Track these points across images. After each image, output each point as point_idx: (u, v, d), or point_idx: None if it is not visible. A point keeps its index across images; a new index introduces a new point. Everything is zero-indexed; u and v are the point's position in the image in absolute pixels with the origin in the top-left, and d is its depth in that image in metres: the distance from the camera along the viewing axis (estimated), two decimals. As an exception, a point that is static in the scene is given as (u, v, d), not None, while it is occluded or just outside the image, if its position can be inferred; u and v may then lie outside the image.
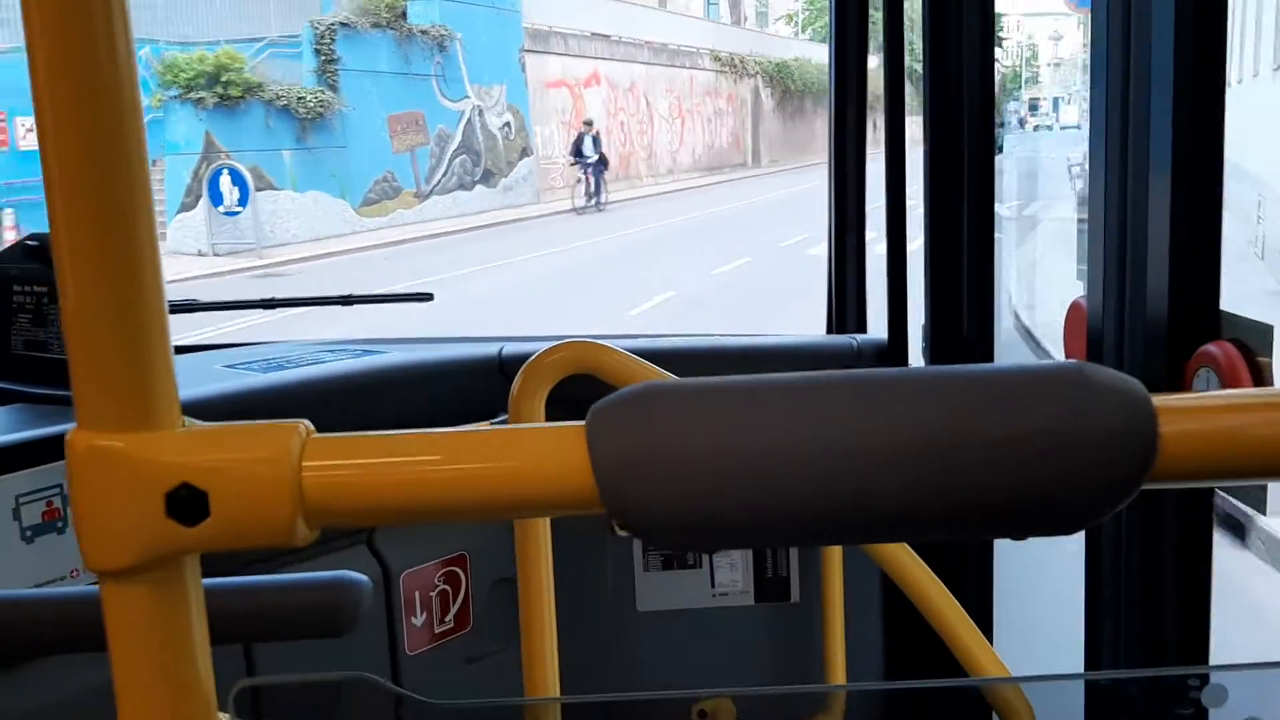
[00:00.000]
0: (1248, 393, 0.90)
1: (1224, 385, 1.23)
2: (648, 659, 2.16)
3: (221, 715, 0.51)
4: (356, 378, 1.90)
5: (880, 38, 2.13)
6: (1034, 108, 57.75)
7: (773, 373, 0.48)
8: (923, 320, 2.05)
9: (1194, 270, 1.30)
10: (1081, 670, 1.59)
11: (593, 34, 26.07)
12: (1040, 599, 2.79)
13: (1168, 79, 1.28)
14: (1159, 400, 0.47)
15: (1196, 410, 0.49)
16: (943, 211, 1.94)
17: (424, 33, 20.72)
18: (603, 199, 22.60)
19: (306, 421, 0.49)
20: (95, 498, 0.47)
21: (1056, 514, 0.47)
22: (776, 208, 22.01)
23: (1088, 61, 1.52)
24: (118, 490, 0.47)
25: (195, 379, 1.79)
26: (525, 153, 23.69)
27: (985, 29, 1.88)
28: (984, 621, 1.86)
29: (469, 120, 22.06)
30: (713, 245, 16.64)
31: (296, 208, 18.18)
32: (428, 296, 2.21)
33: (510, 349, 2.03)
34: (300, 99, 18.20)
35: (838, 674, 1.98)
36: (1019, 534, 0.48)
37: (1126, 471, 0.46)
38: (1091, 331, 1.47)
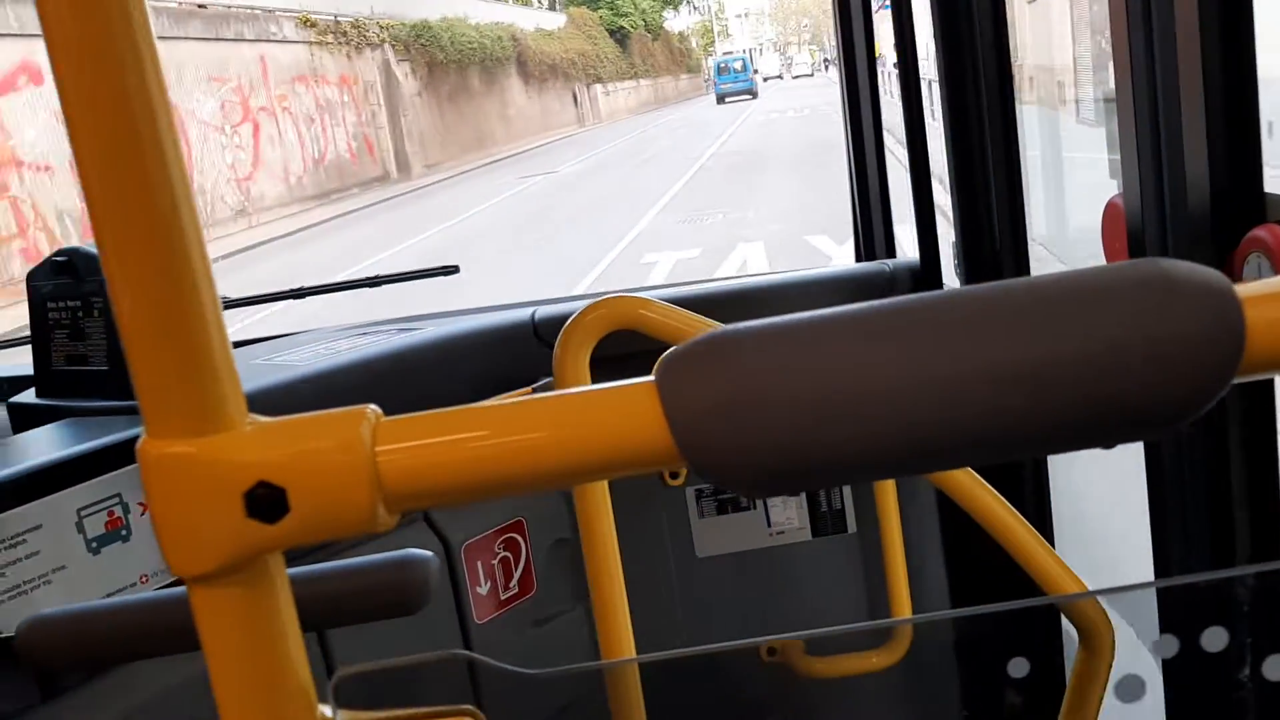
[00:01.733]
0: None
1: (1276, 269, 1.18)
2: (712, 603, 2.20)
3: (323, 707, 0.51)
4: (400, 356, 1.91)
5: None
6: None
7: (813, 306, 0.48)
8: (953, 239, 2.03)
9: (1233, 154, 1.24)
10: (1151, 577, 1.58)
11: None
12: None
13: None
14: (1242, 290, 0.46)
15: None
16: (964, 127, 1.91)
17: None
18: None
19: (374, 405, 0.48)
20: (173, 505, 0.46)
21: (1147, 419, 0.46)
22: (435, 255, 13.65)
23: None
24: (195, 495, 0.46)
25: (246, 375, 1.59)
26: None
27: None
28: (1045, 534, 1.78)
29: None
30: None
31: None
32: (454, 269, 2.27)
33: (543, 312, 2.06)
34: None
35: (901, 602, 1.97)
36: (1109, 443, 0.48)
37: (1215, 369, 0.45)
38: (1131, 229, 1.40)
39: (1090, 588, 1.52)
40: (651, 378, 0.47)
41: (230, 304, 2.01)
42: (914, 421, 0.45)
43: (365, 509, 0.47)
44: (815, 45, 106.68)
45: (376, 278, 2.20)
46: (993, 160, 1.92)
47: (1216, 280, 0.46)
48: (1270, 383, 1.27)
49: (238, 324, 5.94)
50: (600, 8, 53.78)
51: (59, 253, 1.60)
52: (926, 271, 2.13)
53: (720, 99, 46.41)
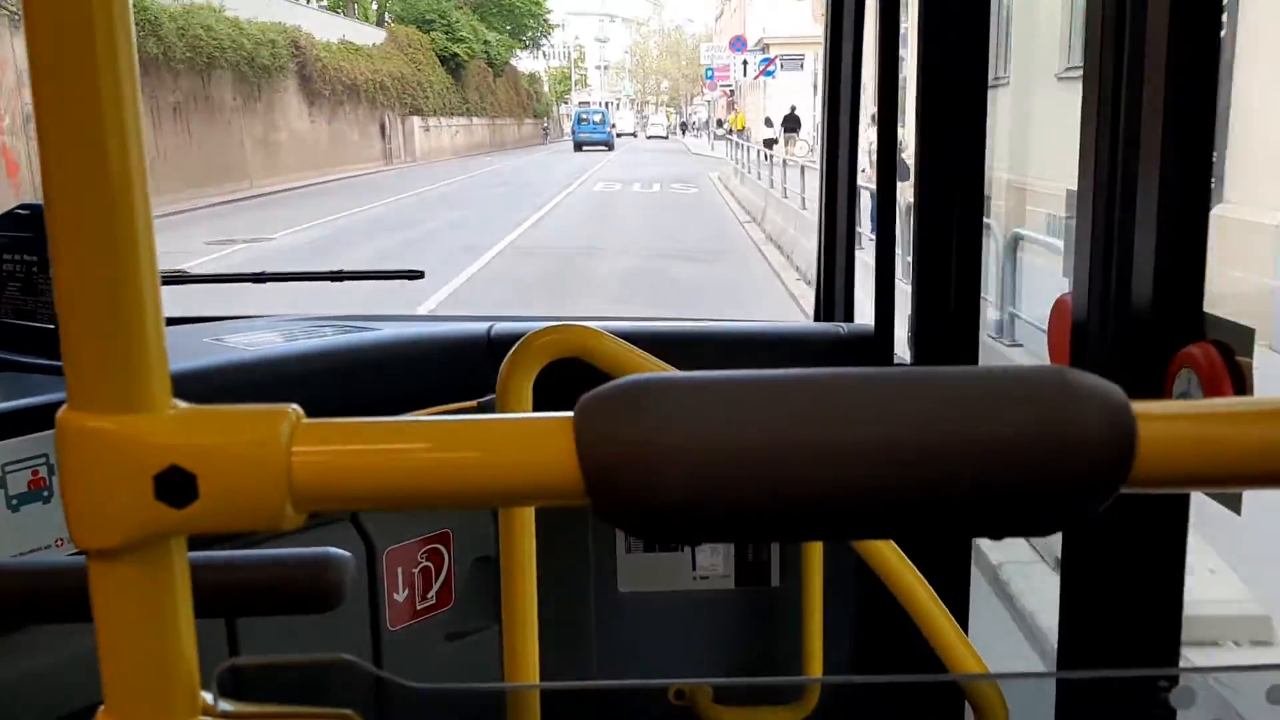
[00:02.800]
0: (1226, 401, 0.91)
1: (1204, 386, 1.24)
2: (628, 639, 2.20)
3: (204, 694, 0.52)
4: (345, 354, 1.90)
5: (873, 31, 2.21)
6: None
7: (760, 361, 0.52)
8: (909, 310, 2.07)
9: (1178, 271, 1.31)
10: (1055, 669, 1.60)
11: None
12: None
13: (1159, 81, 1.28)
14: (1138, 406, 0.48)
15: (1175, 417, 0.49)
16: (931, 204, 1.96)
17: None
18: None
19: (296, 406, 0.49)
20: (84, 478, 0.47)
21: (1034, 516, 0.48)
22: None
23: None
24: (107, 471, 0.47)
25: (184, 352, 1.79)
26: None
27: (977, 12, 1.89)
28: (960, 615, 1.88)
29: None
30: None
31: None
32: (419, 274, 2.26)
33: (499, 329, 2.06)
34: None
35: (814, 660, 2.03)
36: (997, 534, 0.50)
37: (1105, 476, 0.47)
38: (1076, 328, 1.47)
39: (990, 669, 1.56)
40: (571, 414, 0.48)
41: (187, 279, 2.08)
42: (804, 491, 0.47)
43: (273, 505, 0.47)
44: (672, 107, 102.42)
45: (340, 272, 2.22)
46: (955, 242, 1.95)
47: (1113, 392, 0.48)
48: (1185, 496, 1.33)
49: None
50: (434, 30, 46.26)
51: (22, 206, 1.59)
52: (880, 338, 2.17)
53: (578, 147, 47.49)
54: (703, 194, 25.27)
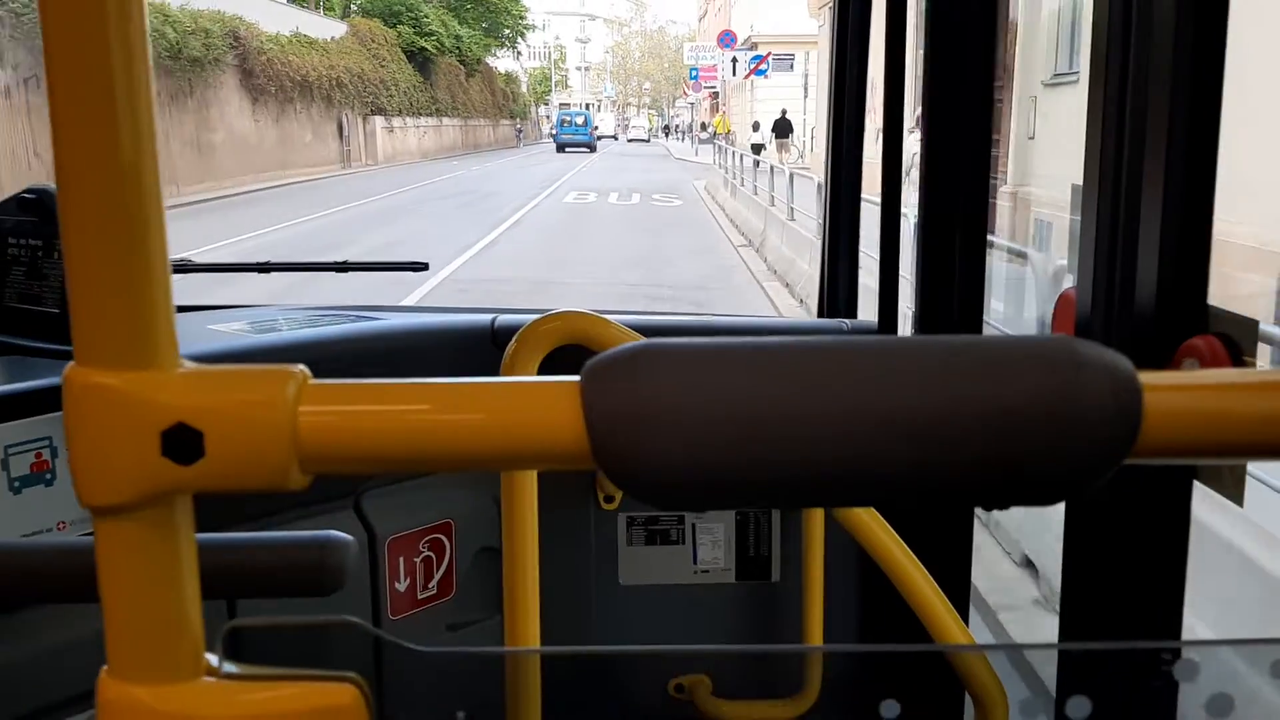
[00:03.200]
0: (1231, 372, 0.89)
1: None
2: (629, 633, 2.20)
3: (209, 655, 0.52)
4: (347, 343, 1.90)
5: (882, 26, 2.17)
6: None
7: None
8: (913, 307, 2.07)
9: (1183, 264, 1.31)
10: (1056, 640, 1.59)
11: None
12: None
13: (1165, 78, 1.28)
14: (1145, 377, 0.48)
15: (1181, 388, 0.50)
16: (936, 200, 1.95)
17: None
18: None
19: (303, 366, 0.49)
20: (91, 435, 0.47)
21: (1038, 486, 0.48)
22: None
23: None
24: (114, 427, 0.47)
25: (186, 338, 1.78)
26: None
27: (986, 15, 1.88)
28: (961, 596, 1.88)
29: None
30: None
31: None
32: (423, 266, 2.26)
33: (503, 319, 2.04)
34: None
35: (814, 655, 2.05)
36: (1001, 504, 0.50)
37: (1110, 446, 0.47)
38: (1080, 322, 1.47)
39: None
40: (578, 378, 0.48)
41: (191, 268, 2.04)
42: (807, 455, 0.47)
43: (279, 465, 0.48)
44: (654, 110, 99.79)
45: (345, 263, 2.21)
46: (960, 238, 1.93)
47: (1119, 362, 0.48)
48: (1191, 471, 1.32)
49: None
50: (401, 24, 43.28)
51: (28, 190, 1.59)
52: (884, 334, 2.15)
53: (560, 148, 47.46)
54: (688, 208, 22.22)
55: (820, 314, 2.39)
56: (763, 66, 39.43)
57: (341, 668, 0.53)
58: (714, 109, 59.02)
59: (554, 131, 52.68)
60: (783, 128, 33.48)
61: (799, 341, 0.48)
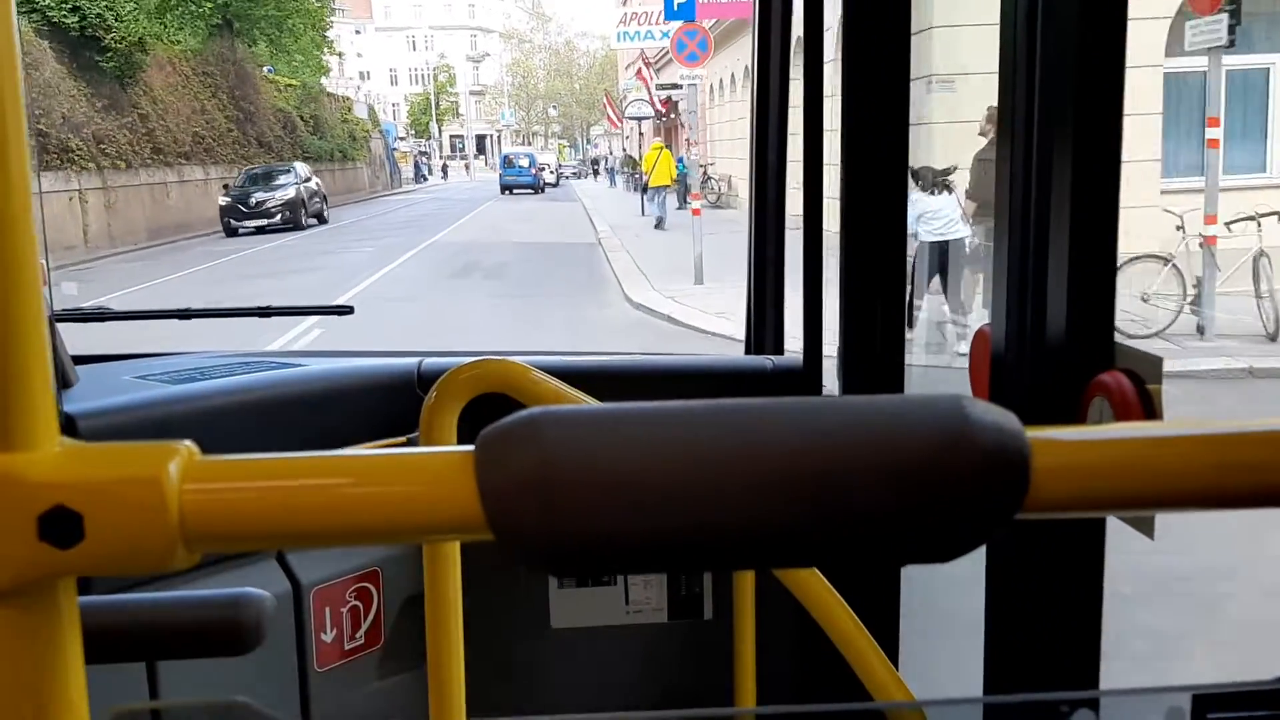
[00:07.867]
0: (1121, 427, 0.90)
1: (1116, 412, 1.28)
2: (561, 676, 2.17)
3: None
4: (270, 391, 1.87)
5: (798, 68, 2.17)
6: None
7: (687, 394, 0.50)
8: (837, 344, 2.07)
9: (1089, 303, 1.35)
10: (981, 693, 1.64)
11: None
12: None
13: (1068, 123, 1.34)
14: (1032, 434, 0.49)
15: (1069, 444, 0.50)
16: (857, 238, 1.96)
17: None
18: None
19: (189, 442, 0.48)
20: None
21: (930, 543, 0.48)
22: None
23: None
24: None
25: (104, 390, 1.79)
26: None
27: (899, 53, 1.90)
28: (890, 643, 1.90)
29: None
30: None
31: None
32: (348, 310, 2.24)
33: (429, 364, 2.03)
34: None
35: (747, 694, 2.00)
36: (895, 561, 0.50)
37: (999, 503, 0.48)
38: (995, 359, 1.50)
39: (918, 696, 1.57)
40: (472, 448, 0.48)
41: (109, 316, 2.06)
42: (703, 520, 0.47)
43: (163, 545, 0.46)
44: (565, 140, 78.18)
45: (268, 308, 2.21)
46: (881, 276, 1.96)
47: (1007, 420, 0.48)
48: (1100, 520, 1.36)
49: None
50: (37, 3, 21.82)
51: None
52: (808, 371, 2.17)
53: (505, 189, 47.50)
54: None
55: (747, 350, 2.44)
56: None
57: None
58: (662, 131, 37.69)
59: (499, 172, 54.50)
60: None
61: (693, 406, 0.48)
